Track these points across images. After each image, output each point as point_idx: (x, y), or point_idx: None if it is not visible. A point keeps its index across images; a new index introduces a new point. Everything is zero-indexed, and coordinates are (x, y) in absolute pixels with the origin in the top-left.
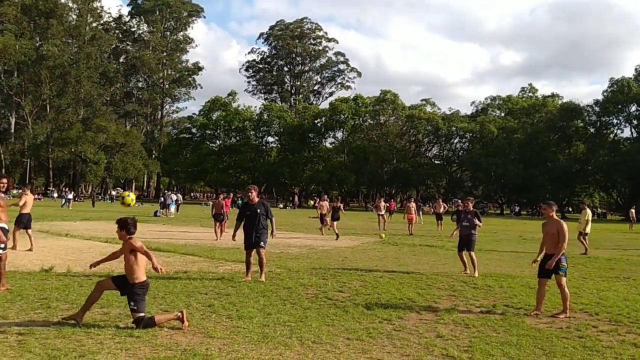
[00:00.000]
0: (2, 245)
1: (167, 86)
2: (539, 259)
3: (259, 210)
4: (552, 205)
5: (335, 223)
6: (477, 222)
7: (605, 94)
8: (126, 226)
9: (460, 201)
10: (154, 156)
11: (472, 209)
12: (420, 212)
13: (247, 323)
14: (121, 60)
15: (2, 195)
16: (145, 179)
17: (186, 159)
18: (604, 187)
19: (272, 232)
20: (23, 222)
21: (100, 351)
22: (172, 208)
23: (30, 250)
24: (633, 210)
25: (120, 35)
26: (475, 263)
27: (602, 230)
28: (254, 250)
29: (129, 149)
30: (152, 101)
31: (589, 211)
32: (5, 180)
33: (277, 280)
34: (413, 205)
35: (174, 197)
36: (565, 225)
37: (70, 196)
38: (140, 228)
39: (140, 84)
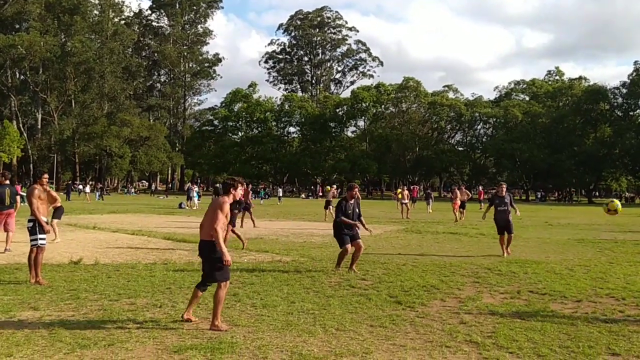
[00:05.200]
0: (45, 237)
1: (188, 79)
2: None
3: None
4: None
5: None
6: (514, 206)
7: (631, 76)
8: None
9: (481, 187)
10: (177, 149)
11: (505, 193)
12: (430, 201)
13: (271, 311)
14: (143, 54)
15: (43, 189)
16: (170, 171)
17: (209, 151)
18: (632, 171)
19: None
20: (60, 214)
21: (129, 340)
22: (196, 200)
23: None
24: None
25: (142, 30)
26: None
27: (630, 215)
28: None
29: (152, 142)
30: (175, 94)
31: None
32: (47, 176)
33: (301, 268)
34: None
35: (196, 188)
36: None
37: (88, 189)
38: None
39: (162, 78)
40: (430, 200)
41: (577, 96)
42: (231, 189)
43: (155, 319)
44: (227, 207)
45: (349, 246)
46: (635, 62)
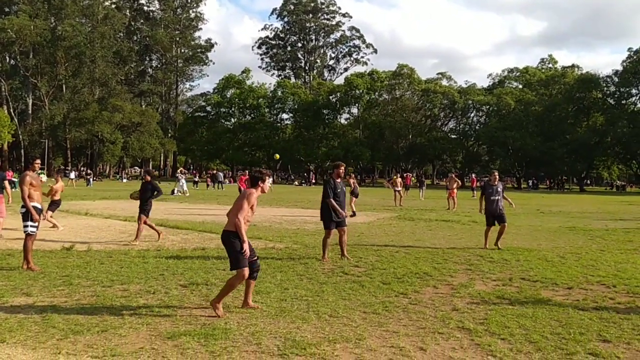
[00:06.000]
0: (35, 224)
1: (180, 64)
2: None
3: None
4: None
5: (354, 199)
6: (508, 199)
7: (624, 64)
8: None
9: (474, 175)
10: (169, 135)
11: (497, 181)
12: (423, 188)
13: (265, 298)
14: (134, 39)
15: (36, 175)
16: (162, 157)
17: (202, 137)
18: (623, 160)
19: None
20: (56, 206)
21: (122, 326)
22: (185, 186)
23: (55, 227)
24: None
25: (133, 14)
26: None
27: (621, 203)
28: None
29: (145, 128)
30: (167, 80)
31: None
32: (39, 161)
33: (294, 255)
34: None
35: (182, 177)
36: None
37: (72, 175)
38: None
39: (154, 63)
40: (423, 187)
41: (569, 84)
42: (259, 182)
43: (149, 305)
44: (253, 198)
45: (333, 230)
46: (629, 50)
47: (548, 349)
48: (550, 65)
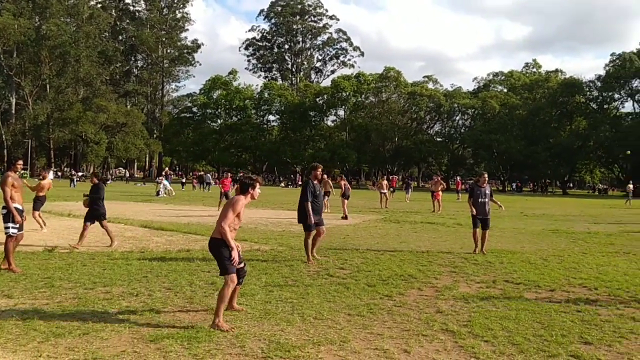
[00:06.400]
0: (17, 226)
1: (166, 65)
2: None
3: None
4: None
5: (345, 202)
6: (497, 202)
7: (607, 68)
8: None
9: (459, 178)
10: (155, 136)
11: (485, 184)
12: (410, 190)
13: (250, 300)
14: (120, 39)
15: (18, 176)
16: (147, 158)
17: (187, 139)
18: (605, 163)
19: None
20: (41, 203)
21: (104, 329)
22: (168, 185)
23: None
24: (630, 186)
25: (118, 14)
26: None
27: (603, 206)
28: None
29: (130, 128)
30: (152, 80)
31: None
32: (21, 162)
33: (279, 257)
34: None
35: (164, 180)
36: None
37: (51, 175)
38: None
39: (139, 63)
40: (410, 189)
41: (553, 89)
42: (249, 189)
43: (132, 308)
44: (239, 206)
45: (314, 232)
46: (612, 54)
47: (530, 351)
48: (535, 69)
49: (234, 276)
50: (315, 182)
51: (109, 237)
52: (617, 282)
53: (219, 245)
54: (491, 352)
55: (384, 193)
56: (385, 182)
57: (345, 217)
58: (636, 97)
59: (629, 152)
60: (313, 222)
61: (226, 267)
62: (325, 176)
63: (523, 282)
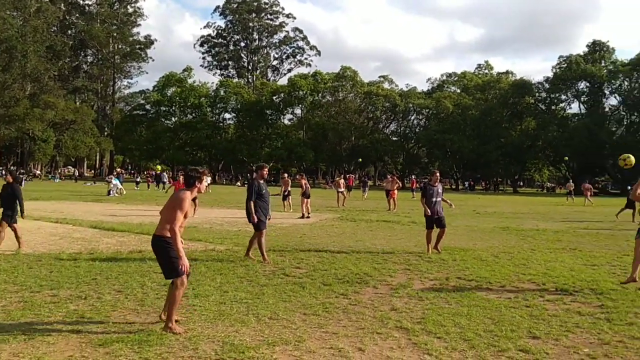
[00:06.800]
0: None
1: (118, 60)
2: None
3: None
4: None
5: (307, 200)
6: (447, 201)
7: (554, 70)
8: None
9: (414, 177)
10: (106, 133)
11: (437, 182)
12: (366, 189)
13: (204, 301)
14: (69, 33)
15: None
16: (98, 157)
17: (140, 137)
18: (553, 162)
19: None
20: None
21: (51, 333)
22: (120, 185)
23: None
24: (571, 184)
25: (67, 8)
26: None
27: (550, 204)
28: None
29: (79, 126)
30: (103, 76)
31: None
32: None
33: (235, 258)
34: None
35: (114, 179)
36: None
37: None
38: (93, 207)
39: (89, 59)
40: (366, 187)
41: (504, 90)
42: (196, 182)
43: (80, 312)
44: (186, 204)
45: (265, 231)
46: (560, 57)
47: (481, 346)
48: (487, 71)
49: (184, 278)
50: (262, 181)
51: (17, 241)
52: (563, 277)
53: (165, 245)
54: (444, 348)
55: (342, 192)
56: (342, 181)
57: (305, 216)
58: (582, 98)
59: (566, 157)
60: (261, 220)
61: (175, 267)
62: (286, 175)
63: (475, 278)
